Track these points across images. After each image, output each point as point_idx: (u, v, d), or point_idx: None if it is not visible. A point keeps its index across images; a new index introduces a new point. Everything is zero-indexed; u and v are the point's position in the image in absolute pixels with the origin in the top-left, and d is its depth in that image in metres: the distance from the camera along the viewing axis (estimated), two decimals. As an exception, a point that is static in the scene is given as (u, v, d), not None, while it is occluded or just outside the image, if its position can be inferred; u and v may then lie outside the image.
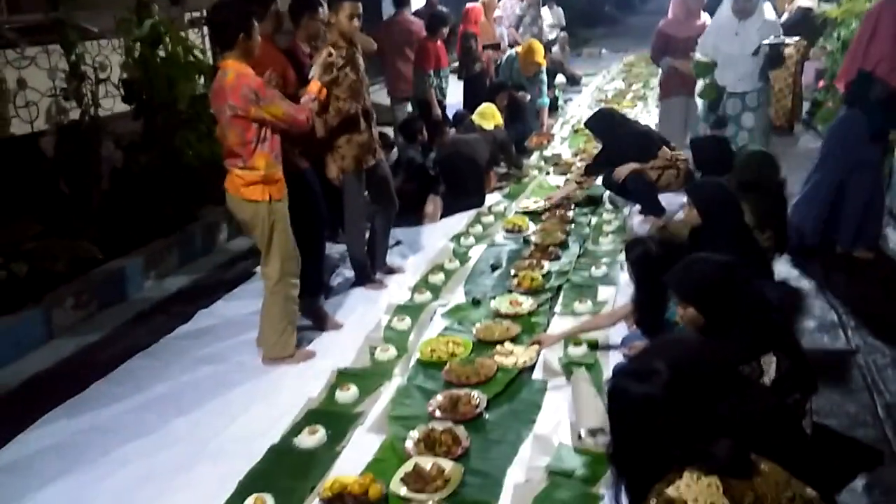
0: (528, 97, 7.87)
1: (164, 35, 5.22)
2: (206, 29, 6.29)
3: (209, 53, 6.01)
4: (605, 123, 5.53)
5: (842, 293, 4.02)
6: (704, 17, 6.13)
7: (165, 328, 4.12)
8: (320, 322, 3.99)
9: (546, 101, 8.35)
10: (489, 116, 6.62)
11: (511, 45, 9.07)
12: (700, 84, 5.50)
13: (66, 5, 4.85)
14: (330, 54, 3.59)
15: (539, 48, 7.89)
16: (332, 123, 4.00)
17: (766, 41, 5.03)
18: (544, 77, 8.16)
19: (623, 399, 1.74)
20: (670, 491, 1.55)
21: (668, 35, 6.16)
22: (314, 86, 3.43)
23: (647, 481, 1.65)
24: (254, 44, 3.27)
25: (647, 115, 9.10)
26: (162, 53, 5.25)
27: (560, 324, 3.83)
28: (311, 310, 3.98)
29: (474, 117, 6.67)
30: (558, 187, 6.32)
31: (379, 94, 7.60)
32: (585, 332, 3.55)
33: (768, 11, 5.19)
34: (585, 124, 5.91)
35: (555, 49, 11.27)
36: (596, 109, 5.84)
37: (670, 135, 5.84)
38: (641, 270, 3.18)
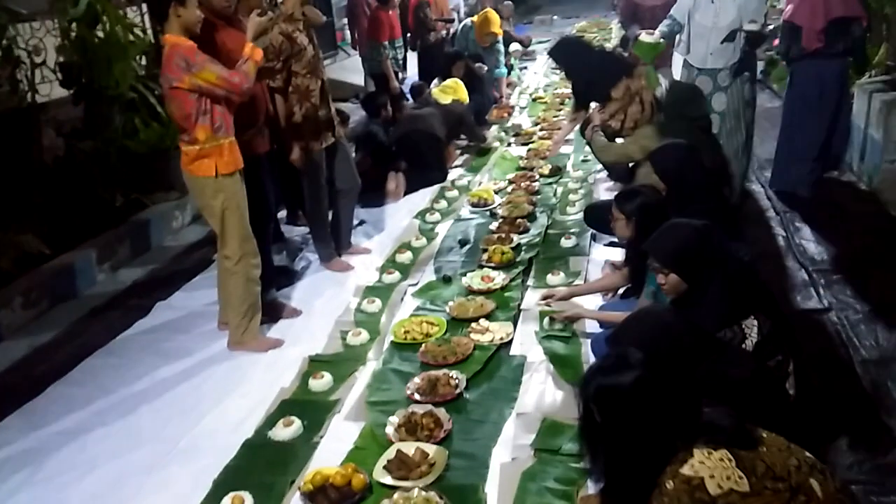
0: (486, 68, 7.74)
1: (102, 14, 4.94)
2: (144, 7, 6.02)
3: (150, 32, 5.74)
4: (569, 51, 5.04)
5: (811, 250, 4.04)
6: None
7: (123, 323, 3.94)
8: (275, 313, 3.83)
9: (504, 70, 8.24)
10: (450, 91, 6.49)
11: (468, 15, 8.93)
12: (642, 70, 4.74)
13: (-8, -15, 4.56)
14: (260, 15, 3.39)
15: (495, 18, 7.77)
16: (291, 101, 3.84)
17: (746, 27, 4.42)
18: (501, 47, 8.06)
19: (608, 395, 1.69)
20: (685, 470, 1.52)
21: (633, 2, 6.01)
22: (246, 46, 3.27)
23: (643, 471, 1.62)
24: (189, 15, 3.09)
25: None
26: (100, 34, 4.97)
27: (534, 297, 3.76)
28: (263, 302, 3.84)
29: (435, 91, 6.53)
30: (521, 157, 6.23)
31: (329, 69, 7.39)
32: (601, 291, 3.60)
33: None
34: (549, 54, 5.59)
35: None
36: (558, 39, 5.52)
37: None
38: (645, 217, 3.09)
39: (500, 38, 7.94)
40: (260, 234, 3.57)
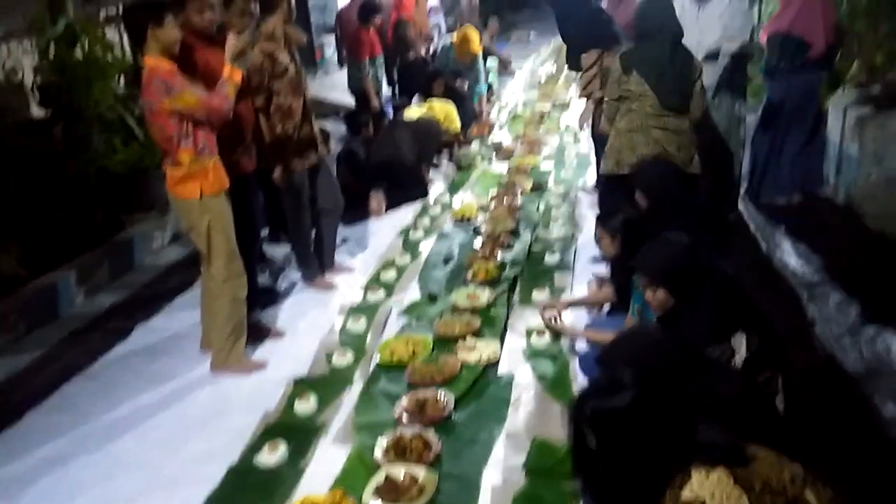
0: (466, 85, 7.78)
1: (81, 34, 4.89)
2: (123, 25, 5.97)
3: (129, 52, 5.69)
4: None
5: (792, 264, 4.07)
6: None
7: (103, 346, 3.86)
8: (259, 334, 3.78)
9: (484, 88, 8.29)
10: (427, 109, 6.53)
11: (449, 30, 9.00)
12: None
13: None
14: (237, 35, 3.35)
15: (474, 36, 7.82)
16: (273, 119, 3.82)
17: (725, 46, 4.38)
18: (481, 65, 8.12)
19: (604, 418, 1.68)
20: (686, 493, 1.51)
21: None
22: (226, 69, 3.25)
23: (641, 495, 1.61)
24: (167, 36, 3.07)
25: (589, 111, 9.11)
26: (79, 54, 4.92)
27: (521, 314, 3.75)
28: (247, 324, 3.79)
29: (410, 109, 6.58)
30: (502, 174, 6.25)
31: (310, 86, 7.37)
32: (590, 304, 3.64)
33: None
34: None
35: (484, 35, 11.26)
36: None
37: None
38: (629, 234, 3.13)
39: (480, 55, 7.98)
40: (246, 254, 3.54)
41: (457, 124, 6.77)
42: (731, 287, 2.70)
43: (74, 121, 4.93)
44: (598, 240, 3.31)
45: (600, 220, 3.30)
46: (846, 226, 4.48)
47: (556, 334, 3.44)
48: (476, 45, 7.80)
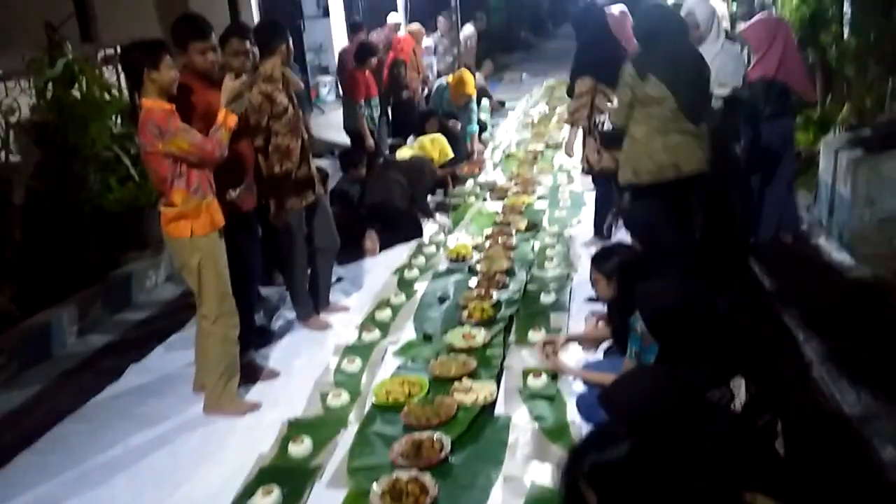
0: (459, 125, 7.87)
1: (80, 75, 4.93)
2: (120, 66, 6.02)
3: (125, 91, 5.73)
4: (587, 17, 4.97)
5: (788, 302, 4.08)
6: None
7: (95, 387, 3.81)
8: (253, 374, 3.75)
9: (475, 127, 8.38)
10: (417, 147, 6.61)
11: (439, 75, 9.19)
12: None
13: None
14: (236, 76, 3.36)
15: (469, 78, 7.95)
16: (272, 160, 3.84)
17: (716, 91, 4.31)
18: (474, 106, 8.25)
19: (604, 472, 1.66)
20: None
21: None
22: (220, 114, 3.26)
23: None
24: (164, 78, 3.08)
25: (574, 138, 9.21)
26: (77, 94, 4.95)
27: (517, 354, 3.74)
28: (241, 363, 3.76)
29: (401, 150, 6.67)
30: (497, 213, 6.27)
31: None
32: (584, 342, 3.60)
33: (723, 30, 4.65)
34: (572, 19, 5.49)
35: (478, 76, 11.46)
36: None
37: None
38: (625, 276, 3.09)
39: (474, 97, 8.10)
40: (247, 293, 3.57)
41: (450, 152, 6.86)
42: (729, 330, 2.70)
43: (71, 159, 4.94)
44: (593, 282, 3.28)
45: (595, 262, 3.27)
46: (841, 266, 4.49)
47: (554, 375, 3.42)
48: (471, 87, 7.92)
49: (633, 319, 2.89)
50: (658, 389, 2.22)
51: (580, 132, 5.19)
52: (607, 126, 4.65)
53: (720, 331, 2.62)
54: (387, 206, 5.80)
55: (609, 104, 4.61)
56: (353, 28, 9.13)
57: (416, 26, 9.75)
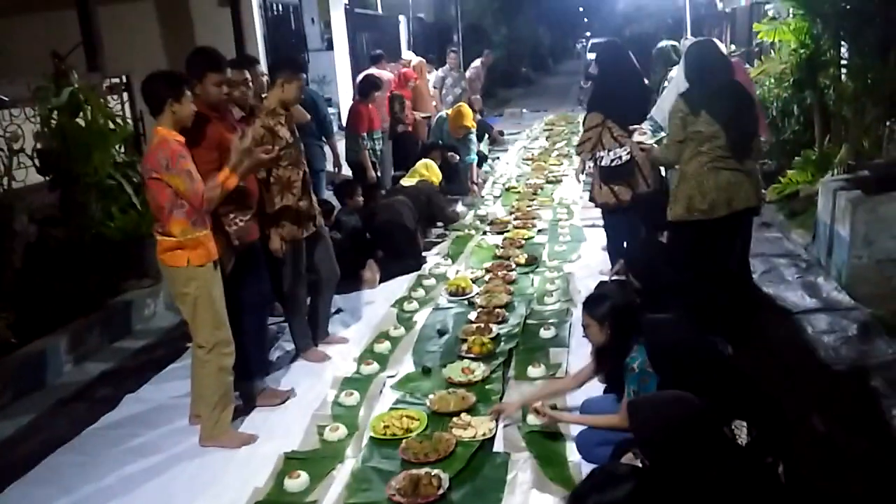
0: (458, 158, 7.98)
1: (84, 103, 4.97)
2: (125, 95, 6.08)
3: (129, 121, 5.78)
4: (611, 54, 4.98)
5: (788, 344, 4.07)
6: None
7: (89, 417, 3.78)
8: (266, 400, 3.78)
9: (474, 158, 8.52)
10: (416, 174, 6.70)
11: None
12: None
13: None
14: (242, 136, 3.35)
15: (468, 112, 8.11)
16: (273, 191, 3.86)
17: None
18: (474, 138, 8.40)
19: None
20: None
21: None
22: (223, 173, 3.23)
23: None
24: (183, 111, 3.16)
25: (572, 172, 9.29)
26: (81, 122, 4.99)
27: (516, 389, 3.72)
28: (251, 393, 3.75)
29: (404, 178, 6.73)
30: (497, 246, 6.29)
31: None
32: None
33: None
34: (595, 48, 5.71)
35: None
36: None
37: None
38: (618, 319, 2.97)
39: (473, 130, 8.21)
40: (260, 322, 3.79)
41: (439, 174, 7.01)
42: (730, 370, 2.70)
43: (73, 187, 4.96)
44: (585, 327, 3.10)
45: (587, 307, 3.10)
46: (840, 306, 4.49)
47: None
48: (469, 121, 8.06)
49: (629, 360, 2.88)
50: (685, 415, 2.19)
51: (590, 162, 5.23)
52: (606, 162, 4.72)
53: (722, 370, 2.62)
54: (395, 224, 5.86)
55: (613, 141, 4.69)
56: (373, 59, 9.31)
57: (418, 60, 9.91)
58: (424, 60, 10.11)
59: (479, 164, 8.95)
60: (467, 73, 11.90)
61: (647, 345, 2.64)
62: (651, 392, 2.71)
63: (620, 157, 4.68)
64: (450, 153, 7.87)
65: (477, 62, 12.59)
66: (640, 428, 2.21)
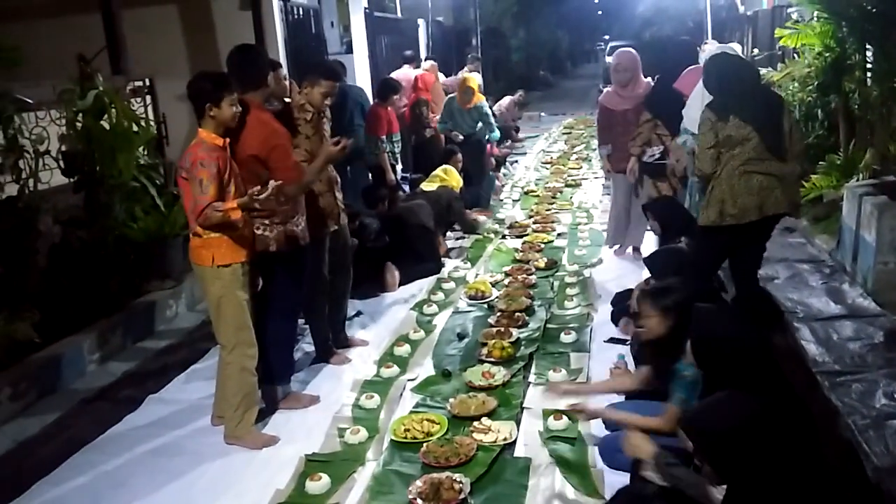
0: (461, 137, 7.80)
1: (109, 106, 5.02)
2: (148, 98, 6.13)
3: (153, 123, 5.84)
4: (661, 51, 5.49)
5: (812, 351, 4.00)
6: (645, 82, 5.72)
7: (113, 417, 3.81)
8: (297, 403, 3.81)
9: (497, 134, 8.40)
10: (436, 179, 6.70)
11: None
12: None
13: (2, 76, 4.62)
14: (263, 188, 3.22)
15: (474, 82, 7.89)
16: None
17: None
18: (488, 110, 8.05)
19: None
20: None
21: (605, 108, 5.85)
22: (231, 203, 3.17)
23: None
24: (223, 114, 3.21)
25: (592, 176, 9.27)
26: (105, 124, 5.03)
27: (537, 394, 3.70)
28: (274, 397, 3.76)
29: (424, 183, 6.73)
30: (516, 250, 6.28)
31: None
32: (608, 392, 3.39)
33: None
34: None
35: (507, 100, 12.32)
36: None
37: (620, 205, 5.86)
38: (682, 316, 2.77)
39: (484, 101, 8.01)
40: (289, 329, 3.81)
41: (459, 179, 7.00)
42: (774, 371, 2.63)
43: (97, 188, 5.01)
44: (637, 316, 2.98)
45: (653, 296, 2.93)
46: (865, 312, 4.43)
47: (574, 417, 3.35)
48: (474, 84, 7.81)
49: (681, 367, 2.76)
50: (753, 422, 2.09)
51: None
52: (647, 158, 5.31)
53: (771, 367, 2.53)
54: (415, 226, 5.88)
55: (659, 140, 5.22)
56: (406, 60, 9.62)
57: (429, 64, 9.86)
58: (435, 64, 10.06)
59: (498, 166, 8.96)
60: (502, 107, 12.30)
61: (691, 335, 2.55)
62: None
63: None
64: (453, 132, 7.80)
65: (508, 98, 12.98)
66: (702, 439, 2.10)
